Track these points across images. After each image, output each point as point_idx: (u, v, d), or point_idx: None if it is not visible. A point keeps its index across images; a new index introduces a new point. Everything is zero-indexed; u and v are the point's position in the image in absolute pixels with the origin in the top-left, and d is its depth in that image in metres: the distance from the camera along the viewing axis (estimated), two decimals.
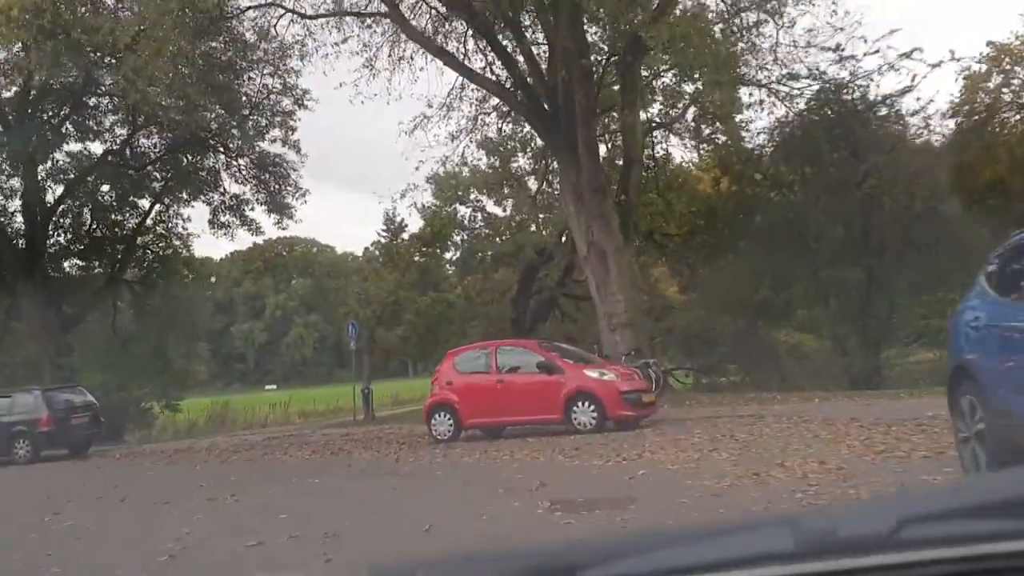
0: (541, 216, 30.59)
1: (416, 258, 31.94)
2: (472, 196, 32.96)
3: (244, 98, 26.97)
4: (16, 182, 25.96)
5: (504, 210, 32.76)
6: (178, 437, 30.43)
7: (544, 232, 28.08)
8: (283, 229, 28.20)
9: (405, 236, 33.61)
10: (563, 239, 26.05)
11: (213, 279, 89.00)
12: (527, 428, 15.07)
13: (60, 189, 26.95)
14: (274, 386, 74.18)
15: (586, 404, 14.36)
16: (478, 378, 15.50)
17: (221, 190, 28.43)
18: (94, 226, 28.81)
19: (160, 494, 11.40)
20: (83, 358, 26.70)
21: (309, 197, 27.43)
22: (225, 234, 28.59)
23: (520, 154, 31.79)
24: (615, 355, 18.99)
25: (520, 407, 14.80)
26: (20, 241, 26.29)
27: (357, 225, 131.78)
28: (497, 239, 30.87)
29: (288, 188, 27.48)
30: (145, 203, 29.29)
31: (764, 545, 0.99)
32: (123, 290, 29.67)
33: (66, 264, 29.11)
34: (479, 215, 32.78)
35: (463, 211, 32.66)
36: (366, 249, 44.23)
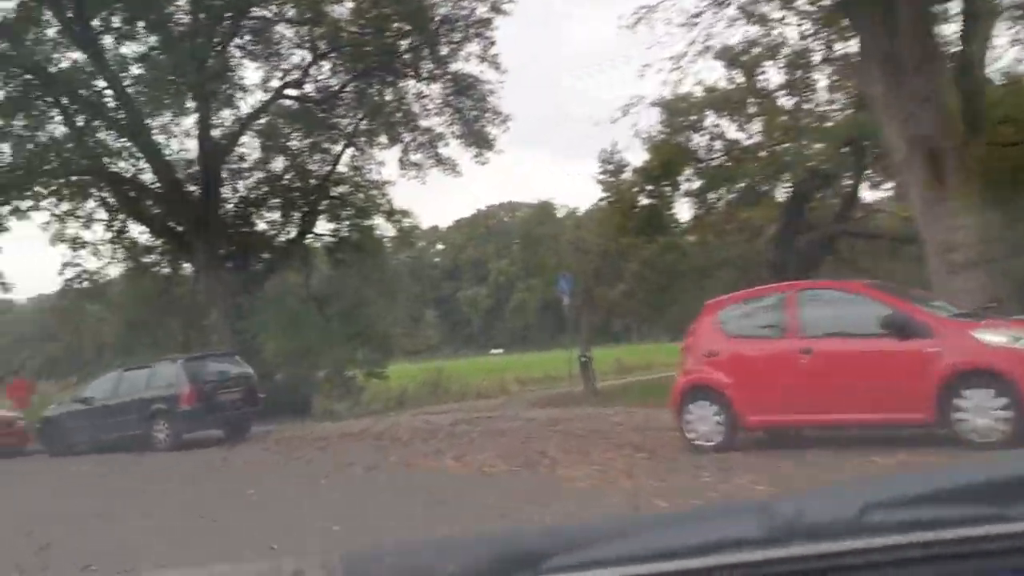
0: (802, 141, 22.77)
1: (641, 199, 25.15)
2: (708, 122, 25.64)
3: (433, 9, 21.36)
4: (187, 118, 21.67)
5: (749, 136, 25.17)
6: (388, 407, 25.81)
7: (813, 149, 20.30)
8: (483, 163, 22.40)
9: (626, 176, 26.83)
10: (847, 151, 18.39)
11: (440, 245, 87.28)
12: (848, 431, 8.17)
13: (231, 129, 22.41)
14: (500, 350, 70.30)
15: (987, 393, 7.21)
16: (765, 346, 8.69)
17: (412, 125, 23.01)
18: (282, 173, 24.33)
19: None
20: (266, 321, 22.19)
21: (528, 163, 21.55)
22: (416, 176, 23.24)
23: (769, 63, 24.26)
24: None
25: (848, 396, 7.86)
26: (196, 189, 22.05)
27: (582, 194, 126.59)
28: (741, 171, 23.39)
29: (487, 114, 21.58)
30: (336, 147, 24.43)
31: (731, 531, 0.94)
32: (314, 245, 25.15)
33: (259, 219, 24.75)
34: (717, 143, 25.41)
35: (697, 140, 25.42)
36: (587, 211, 37.87)
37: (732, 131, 25.72)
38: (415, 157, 23.05)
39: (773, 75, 24.43)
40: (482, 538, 1.06)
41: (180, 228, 22.38)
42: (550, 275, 24.07)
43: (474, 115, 21.84)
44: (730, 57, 23.94)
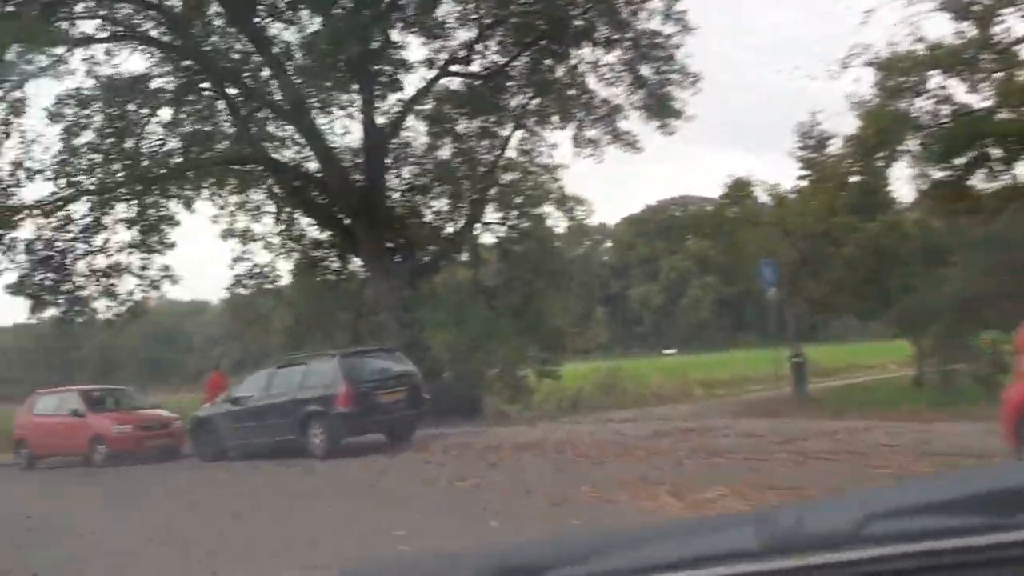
0: None
1: (852, 176, 21.40)
2: (931, 83, 21.51)
3: None
4: (351, 104, 19.98)
5: (984, 99, 20.85)
6: (562, 409, 23.52)
7: None
8: (669, 134, 19.43)
9: (831, 149, 23.05)
10: None
11: (608, 243, 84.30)
12: None
13: (395, 114, 20.57)
14: (673, 350, 66.41)
15: None
16: None
17: (586, 100, 20.45)
18: (449, 160, 22.39)
19: None
20: (435, 315, 20.26)
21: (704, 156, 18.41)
22: (592, 154, 20.63)
23: (1009, 11, 20.01)
24: None
25: None
26: (361, 178, 20.43)
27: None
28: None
29: (672, 76, 18.64)
30: (504, 131, 22.24)
31: (731, 543, 0.93)
32: (482, 236, 23.12)
33: (425, 209, 22.92)
34: (944, 107, 21.24)
35: (920, 104, 21.33)
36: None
37: (961, 93, 21.55)
38: (590, 133, 20.47)
39: (1015, 25, 20.14)
40: (478, 551, 1.04)
41: (347, 220, 20.95)
42: (747, 263, 20.83)
43: (657, 81, 18.99)
44: (959, 8, 19.92)
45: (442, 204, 22.61)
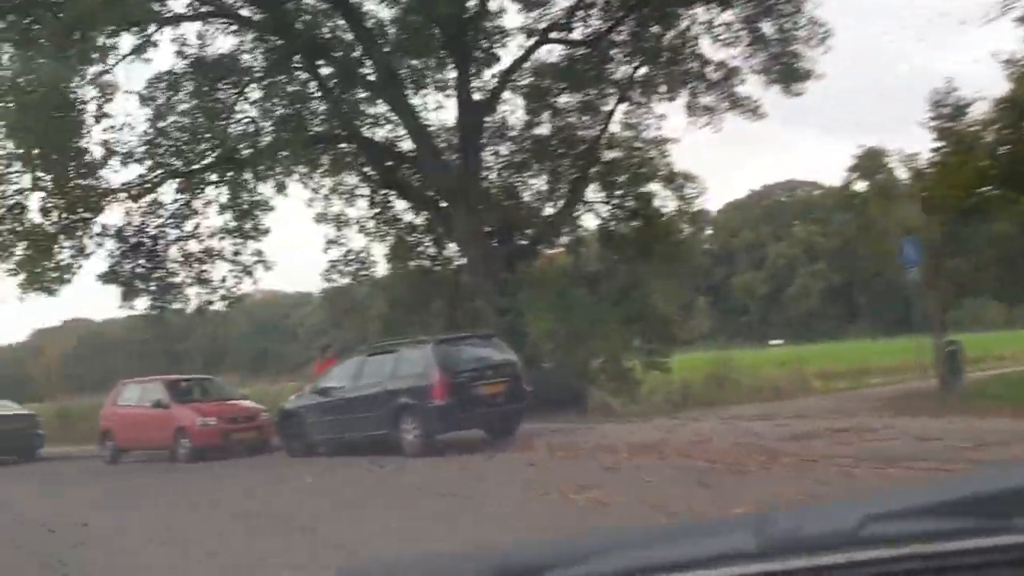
0: None
1: (1002, 144, 18.76)
2: None
3: None
4: (445, 79, 18.67)
5: None
6: (671, 402, 21.58)
7: None
8: (795, 95, 17.32)
9: (973, 116, 20.34)
10: None
11: (710, 230, 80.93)
12: None
13: (491, 90, 19.13)
14: (780, 341, 63.05)
15: None
16: None
17: (698, 66, 18.55)
18: (548, 137, 20.84)
19: None
20: (532, 297, 18.75)
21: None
22: (708, 123, 18.72)
23: None
24: None
25: None
26: (455, 157, 19.12)
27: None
28: None
29: (798, 32, 16.53)
30: (606, 105, 20.51)
31: (730, 545, 0.91)
32: (583, 216, 21.46)
33: (523, 189, 21.43)
34: None
35: None
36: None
37: None
38: (705, 100, 18.54)
39: None
40: (477, 552, 1.01)
41: (442, 203, 19.72)
42: (877, 242, 18.54)
43: (780, 39, 16.91)
44: None
45: (541, 184, 21.15)
